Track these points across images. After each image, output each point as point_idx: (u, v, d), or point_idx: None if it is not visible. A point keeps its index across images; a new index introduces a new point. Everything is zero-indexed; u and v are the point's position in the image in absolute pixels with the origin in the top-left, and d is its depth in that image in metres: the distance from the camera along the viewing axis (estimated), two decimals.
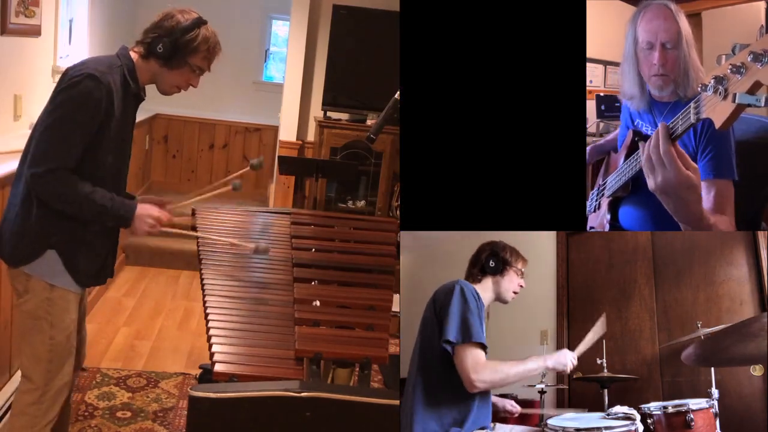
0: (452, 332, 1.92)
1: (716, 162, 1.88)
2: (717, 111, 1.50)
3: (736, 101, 1.44)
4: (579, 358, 2.12)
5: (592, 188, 2.33)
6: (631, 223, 2.14)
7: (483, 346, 1.94)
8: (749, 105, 1.44)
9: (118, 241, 2.49)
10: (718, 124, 1.50)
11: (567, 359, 2.04)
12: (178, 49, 2.27)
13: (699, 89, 1.54)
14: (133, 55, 2.32)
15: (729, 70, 1.46)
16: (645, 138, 2.06)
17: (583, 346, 2.22)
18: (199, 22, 2.31)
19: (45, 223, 2.24)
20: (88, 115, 2.16)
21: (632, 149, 2.10)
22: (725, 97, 1.47)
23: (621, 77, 2.11)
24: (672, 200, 1.66)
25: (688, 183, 1.63)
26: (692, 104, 1.58)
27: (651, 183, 1.67)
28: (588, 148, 2.34)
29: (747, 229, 2.50)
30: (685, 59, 1.92)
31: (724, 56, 1.53)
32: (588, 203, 2.31)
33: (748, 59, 1.42)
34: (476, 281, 2.13)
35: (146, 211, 2.32)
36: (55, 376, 2.32)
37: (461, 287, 1.99)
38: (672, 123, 1.64)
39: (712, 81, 1.50)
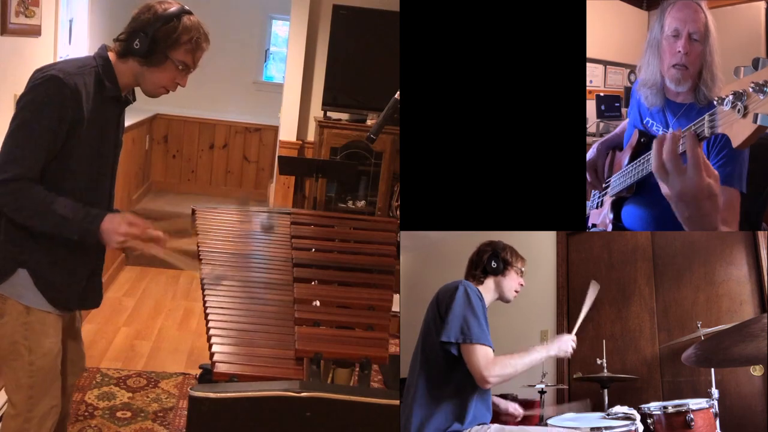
0: (455, 332, 1.93)
1: (728, 170, 1.83)
2: (734, 129, 1.41)
3: (758, 122, 1.35)
4: (579, 360, 2.13)
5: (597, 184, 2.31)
6: (633, 223, 2.13)
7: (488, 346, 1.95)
8: None
9: (103, 260, 2.31)
10: (735, 143, 1.41)
11: (568, 344, 2.08)
12: (157, 44, 2.05)
13: (715, 102, 1.46)
14: (111, 56, 2.12)
15: (750, 88, 1.36)
16: (652, 139, 2.04)
17: (578, 323, 2.25)
18: (181, 12, 2.08)
19: (15, 239, 2.07)
20: (50, 120, 1.97)
21: (637, 150, 2.08)
22: (745, 115, 1.38)
23: (642, 66, 2.07)
24: (689, 209, 1.60)
25: (709, 191, 1.56)
26: (707, 116, 1.50)
27: (666, 189, 1.60)
28: (596, 144, 2.33)
29: (747, 230, 2.50)
30: (711, 56, 1.88)
31: (742, 68, 1.44)
32: (590, 200, 2.31)
33: None
34: (478, 282, 2.13)
35: (114, 224, 2.07)
36: (38, 402, 2.15)
37: (465, 288, 2.00)
38: (684, 132, 1.58)
39: (731, 96, 1.40)
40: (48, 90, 1.98)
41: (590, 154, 2.30)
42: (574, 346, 2.10)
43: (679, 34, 1.92)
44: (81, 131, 2.05)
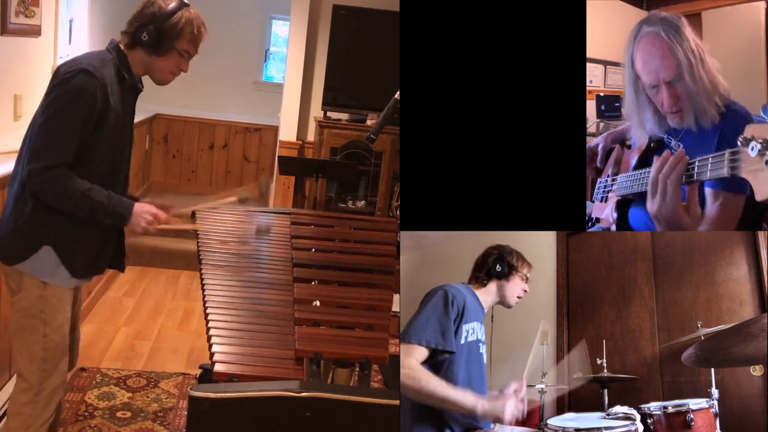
0: (405, 329, 1.92)
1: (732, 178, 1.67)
2: (759, 180, 1.27)
3: None
4: (579, 360, 2.11)
5: (599, 175, 2.30)
6: (640, 224, 2.12)
7: (435, 350, 1.89)
8: None
9: (123, 231, 2.46)
10: (759, 196, 1.28)
11: (506, 411, 1.79)
12: (163, 35, 2.25)
13: (739, 142, 1.32)
14: (122, 48, 2.31)
15: None
16: (661, 143, 2.02)
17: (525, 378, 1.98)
18: (181, 5, 2.28)
19: (40, 219, 2.22)
20: (83, 111, 2.14)
21: (646, 153, 2.06)
22: None
23: (627, 118, 1.98)
24: (661, 226, 1.58)
25: (680, 225, 1.54)
26: (728, 154, 1.38)
27: (648, 205, 1.60)
28: (605, 134, 2.31)
29: (747, 230, 2.50)
30: (700, 82, 1.74)
31: None
32: (595, 192, 2.29)
33: None
34: (481, 285, 2.12)
35: (144, 208, 2.30)
36: (50, 375, 2.30)
37: (443, 292, 1.96)
38: (701, 161, 1.48)
39: (758, 144, 1.26)
40: (81, 82, 2.13)
41: (595, 141, 2.30)
42: (517, 410, 1.78)
43: (658, 86, 1.81)
44: (106, 120, 2.21)
